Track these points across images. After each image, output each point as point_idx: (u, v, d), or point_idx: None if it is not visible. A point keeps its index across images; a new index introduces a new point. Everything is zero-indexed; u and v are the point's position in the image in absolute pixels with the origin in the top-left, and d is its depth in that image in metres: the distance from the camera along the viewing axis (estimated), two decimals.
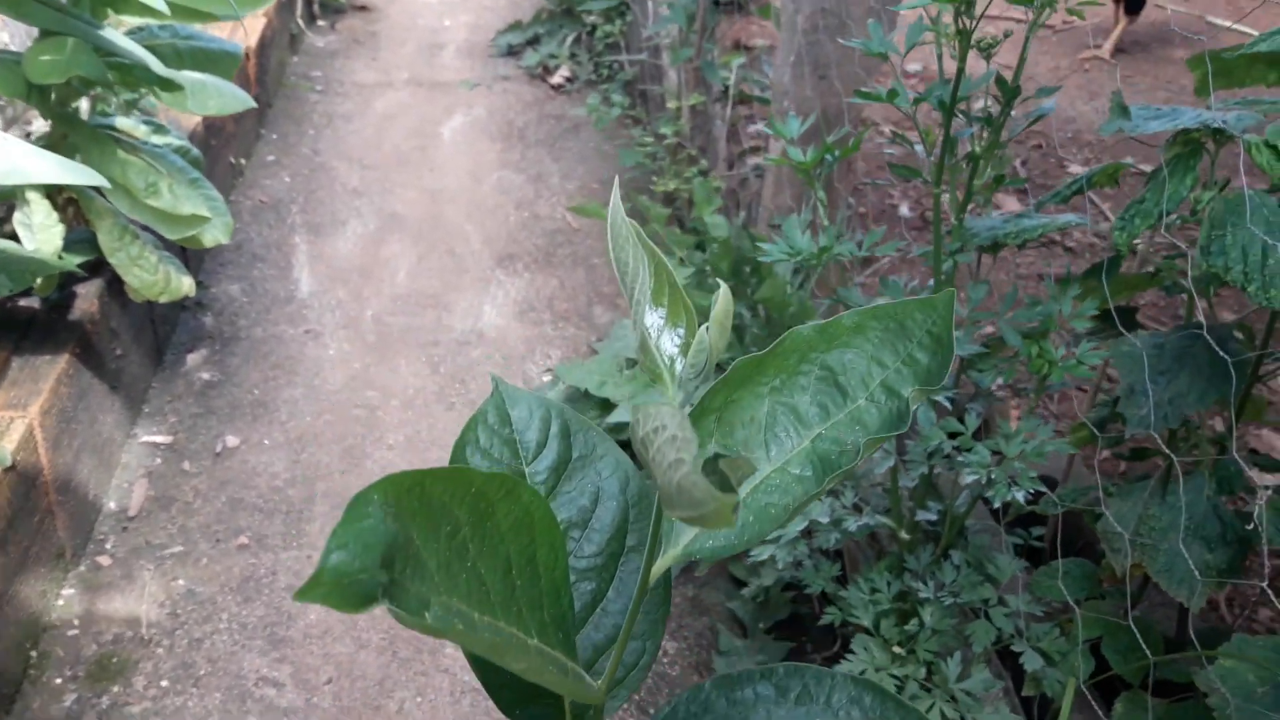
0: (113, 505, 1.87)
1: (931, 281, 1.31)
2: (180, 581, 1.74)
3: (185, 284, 1.74)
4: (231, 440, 2.04)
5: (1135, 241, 1.06)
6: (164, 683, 1.57)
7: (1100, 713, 1.18)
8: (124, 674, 1.58)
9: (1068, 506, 1.20)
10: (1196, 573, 0.99)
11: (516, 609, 0.49)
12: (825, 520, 1.26)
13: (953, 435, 1.17)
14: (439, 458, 2.01)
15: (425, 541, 0.43)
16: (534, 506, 0.50)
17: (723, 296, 0.41)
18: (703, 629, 1.70)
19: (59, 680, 1.56)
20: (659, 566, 0.54)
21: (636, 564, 0.63)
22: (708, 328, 0.43)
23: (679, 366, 0.47)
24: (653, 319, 0.47)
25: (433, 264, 2.63)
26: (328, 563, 0.38)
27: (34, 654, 1.59)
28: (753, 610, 1.64)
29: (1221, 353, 0.97)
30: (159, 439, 2.03)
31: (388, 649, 1.65)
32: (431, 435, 2.07)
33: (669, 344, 0.47)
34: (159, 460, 1.98)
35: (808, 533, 1.32)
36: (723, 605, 1.71)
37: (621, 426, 1.81)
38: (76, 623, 1.65)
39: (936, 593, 1.23)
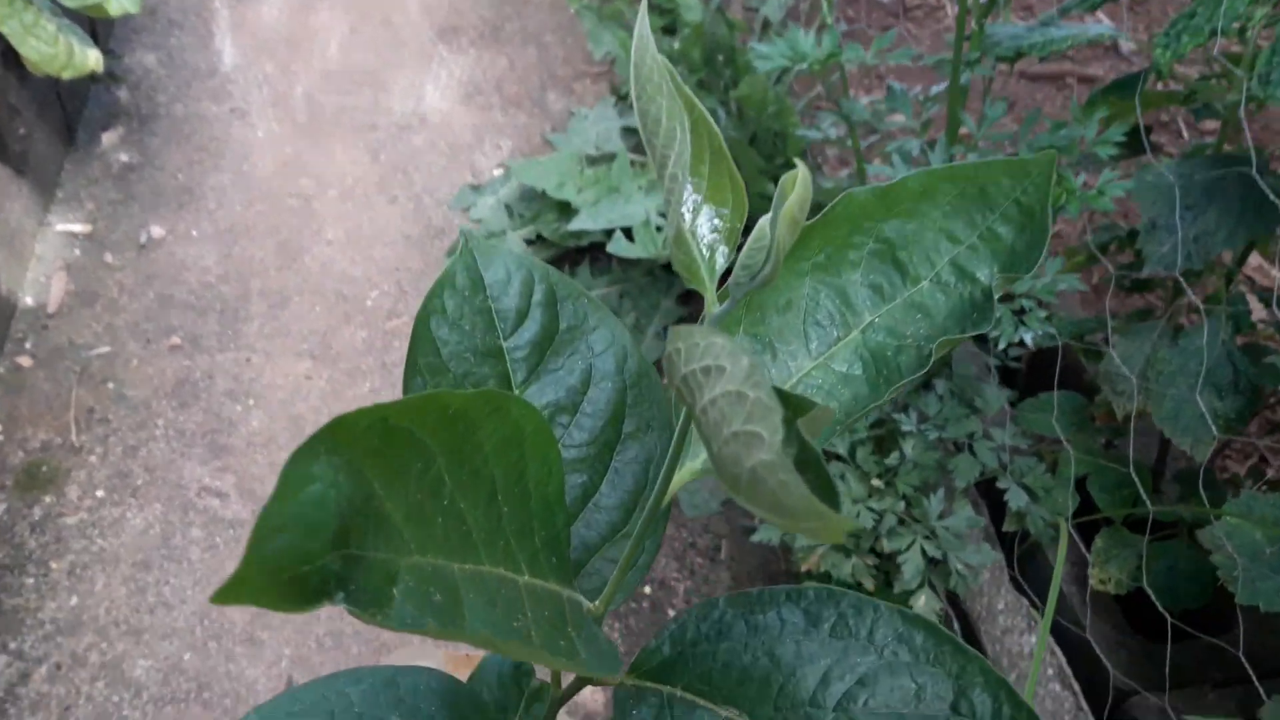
0: (29, 301, 1.73)
1: (938, 88, 1.18)
2: (110, 385, 1.63)
3: (91, 58, 1.53)
4: (156, 231, 1.88)
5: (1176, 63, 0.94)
6: (99, 493, 1.49)
7: (1082, 548, 1.15)
8: (55, 483, 1.49)
9: (1068, 340, 1.13)
10: (1210, 421, 0.93)
11: (503, 541, 0.40)
12: None
13: None
14: (382, 256, 1.88)
15: (390, 491, 0.33)
16: (524, 420, 0.40)
17: (801, 180, 0.30)
18: None
19: None
20: (676, 482, 0.44)
21: (635, 452, 0.53)
22: (772, 219, 0.31)
23: (721, 259, 0.35)
24: (688, 195, 0.35)
25: (367, 35, 2.38)
26: (260, 552, 0.28)
27: None
28: None
29: (1266, 189, 0.87)
30: (76, 228, 1.86)
31: None
32: (374, 230, 1.93)
33: (707, 227, 0.35)
34: (78, 252, 1.82)
35: None
36: None
37: (583, 234, 1.68)
38: (0, 429, 1.54)
39: (919, 425, 1.17)
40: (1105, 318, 1.08)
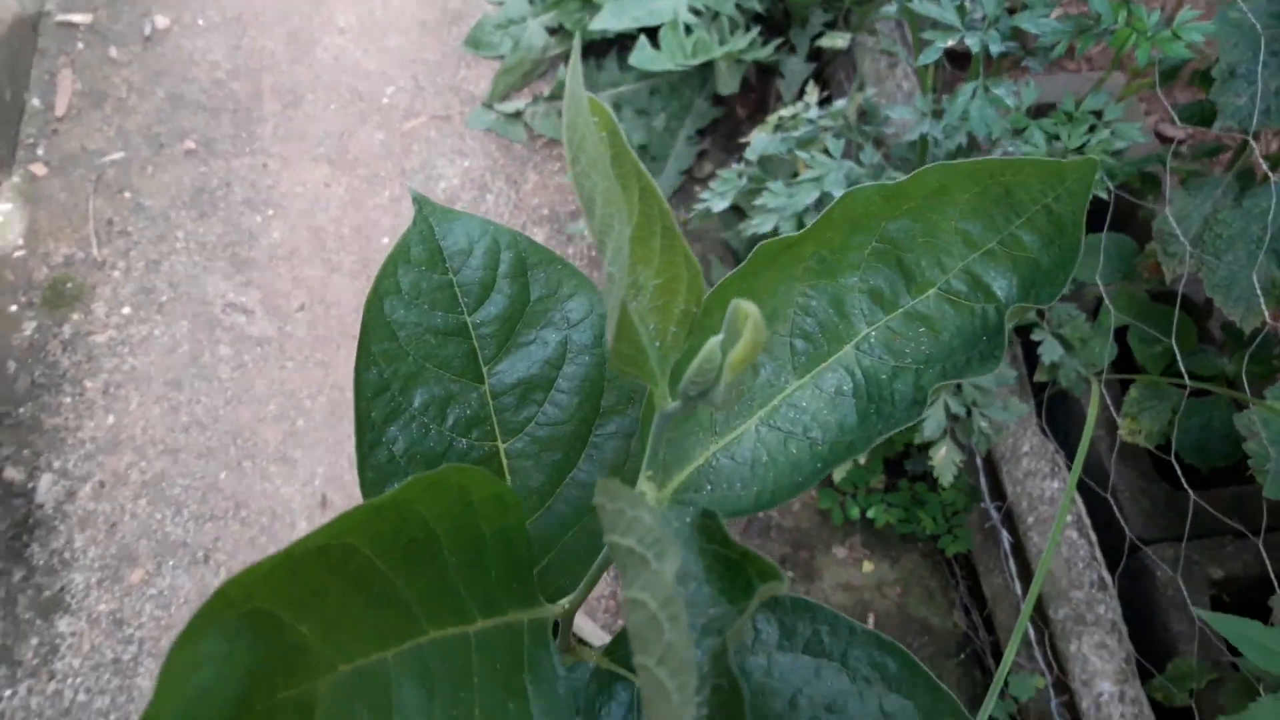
0: (37, 102, 1.67)
1: None
2: (127, 194, 1.60)
3: None
4: (161, 20, 1.78)
5: None
6: (125, 310, 1.49)
7: (1110, 406, 1.12)
8: (82, 300, 1.49)
9: (1124, 180, 1.04)
10: (1261, 291, 0.86)
11: (451, 598, 0.37)
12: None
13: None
14: (397, 45, 1.77)
15: (302, 615, 0.30)
16: (471, 487, 0.36)
17: (752, 325, 0.24)
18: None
19: (14, 308, 1.47)
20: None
21: (615, 426, 0.50)
22: (723, 342, 0.26)
23: (672, 357, 0.30)
24: (629, 277, 0.29)
25: None
26: None
27: None
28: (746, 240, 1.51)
29: None
30: (76, 18, 1.77)
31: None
32: (387, 16, 1.81)
33: (653, 316, 0.30)
34: (81, 45, 1.74)
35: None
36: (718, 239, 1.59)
37: (608, 35, 1.55)
38: (21, 243, 1.53)
39: None
40: (1164, 159, 0.98)
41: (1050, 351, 1.08)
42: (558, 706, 0.38)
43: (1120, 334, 1.10)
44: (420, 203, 0.46)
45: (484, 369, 0.48)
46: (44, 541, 1.27)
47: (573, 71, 0.27)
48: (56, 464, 1.35)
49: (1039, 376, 1.12)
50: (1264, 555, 0.96)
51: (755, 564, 0.29)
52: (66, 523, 1.29)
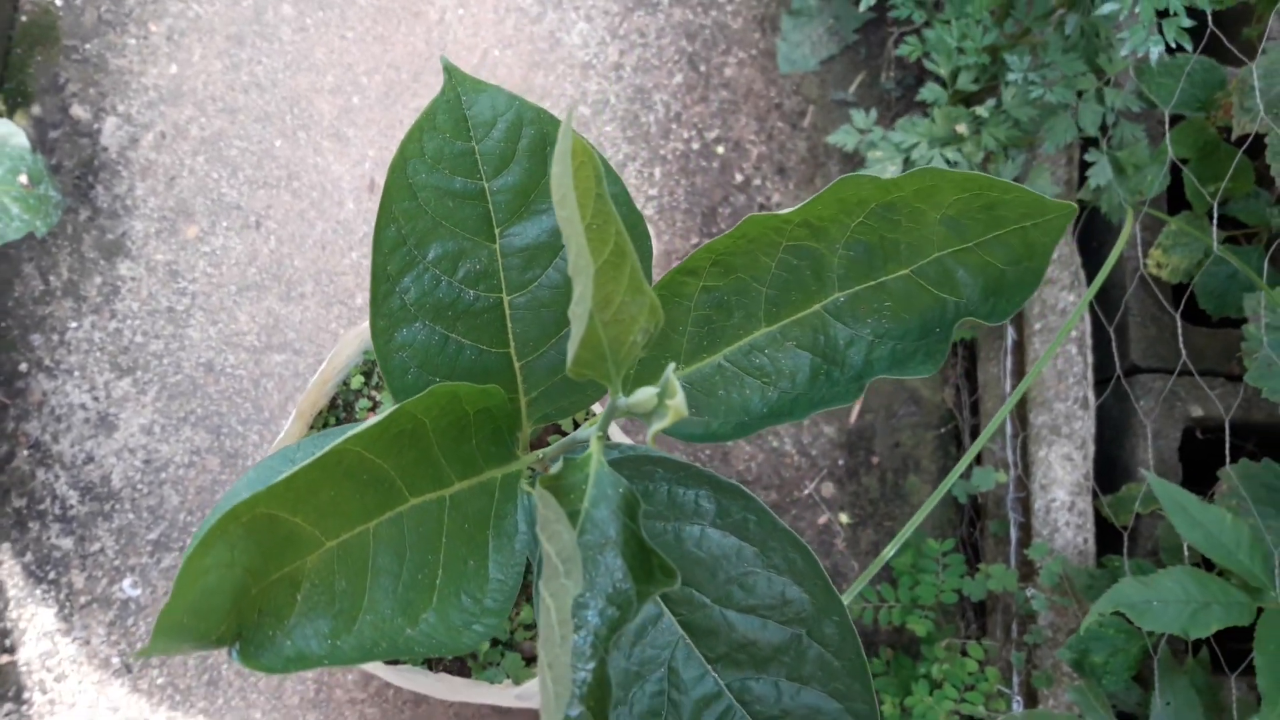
0: None
1: None
2: None
3: None
4: None
5: None
6: None
7: (1138, 234, 1.11)
8: None
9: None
10: None
11: (431, 468, 0.44)
12: None
13: None
14: None
15: (300, 509, 0.37)
16: (467, 399, 0.42)
17: (674, 410, 0.28)
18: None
19: None
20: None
21: None
22: (658, 393, 0.30)
23: (631, 361, 0.34)
24: (597, 301, 0.32)
25: None
26: (162, 639, 0.33)
27: None
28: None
29: None
30: None
31: None
32: None
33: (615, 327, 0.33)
34: None
35: None
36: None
37: None
38: None
39: (1028, 72, 1.07)
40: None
41: (1100, 174, 1.07)
42: (512, 560, 0.46)
43: (1178, 171, 1.08)
44: (450, 72, 0.48)
45: (496, 230, 0.51)
46: (108, 185, 1.34)
47: (564, 132, 0.29)
48: (121, 108, 1.39)
49: (1081, 196, 1.12)
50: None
51: (658, 559, 0.35)
52: (129, 169, 1.36)
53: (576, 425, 0.96)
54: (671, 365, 0.31)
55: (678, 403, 0.28)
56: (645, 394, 0.31)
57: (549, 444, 0.55)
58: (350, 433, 0.37)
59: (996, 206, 0.39)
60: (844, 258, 0.42)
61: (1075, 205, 0.38)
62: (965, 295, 0.41)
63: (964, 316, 0.40)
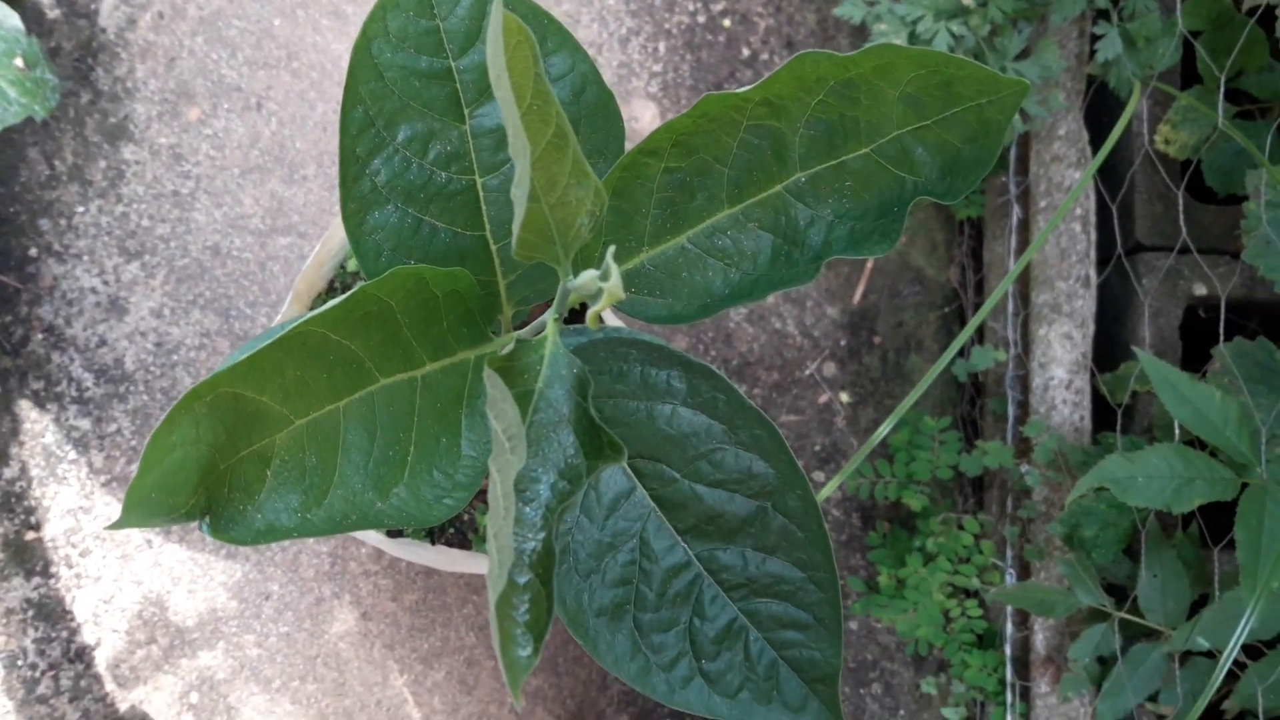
0: None
1: None
2: None
3: None
4: None
5: None
6: None
7: (1145, 109, 1.09)
8: None
9: None
10: None
11: (400, 350, 0.45)
12: None
13: None
14: None
15: (266, 387, 0.39)
16: (434, 281, 0.42)
17: (608, 293, 0.29)
18: None
19: None
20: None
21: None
22: (599, 276, 0.30)
23: (578, 243, 0.34)
24: (539, 185, 0.33)
25: None
26: (132, 513, 0.35)
27: None
28: None
29: None
30: None
31: None
32: None
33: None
34: None
35: None
36: None
37: None
38: None
39: None
40: None
41: (1109, 47, 1.04)
42: (485, 437, 0.47)
43: (1190, 41, 1.05)
44: None
45: (465, 110, 0.51)
46: (108, 67, 1.33)
47: (495, 9, 0.29)
48: None
49: (1090, 70, 1.09)
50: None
51: (607, 436, 0.37)
52: (128, 51, 1.35)
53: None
54: (611, 249, 0.32)
55: (612, 285, 0.29)
56: (587, 277, 0.32)
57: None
58: (312, 313, 0.38)
59: (953, 83, 0.39)
60: (805, 137, 0.42)
61: (1028, 82, 0.37)
62: (923, 174, 0.41)
63: (921, 195, 0.40)
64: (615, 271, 0.29)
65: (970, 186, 0.40)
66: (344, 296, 0.39)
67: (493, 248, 0.55)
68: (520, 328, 0.69)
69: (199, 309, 1.28)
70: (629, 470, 0.51)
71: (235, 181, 1.32)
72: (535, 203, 0.33)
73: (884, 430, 0.83)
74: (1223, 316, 0.95)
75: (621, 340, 0.52)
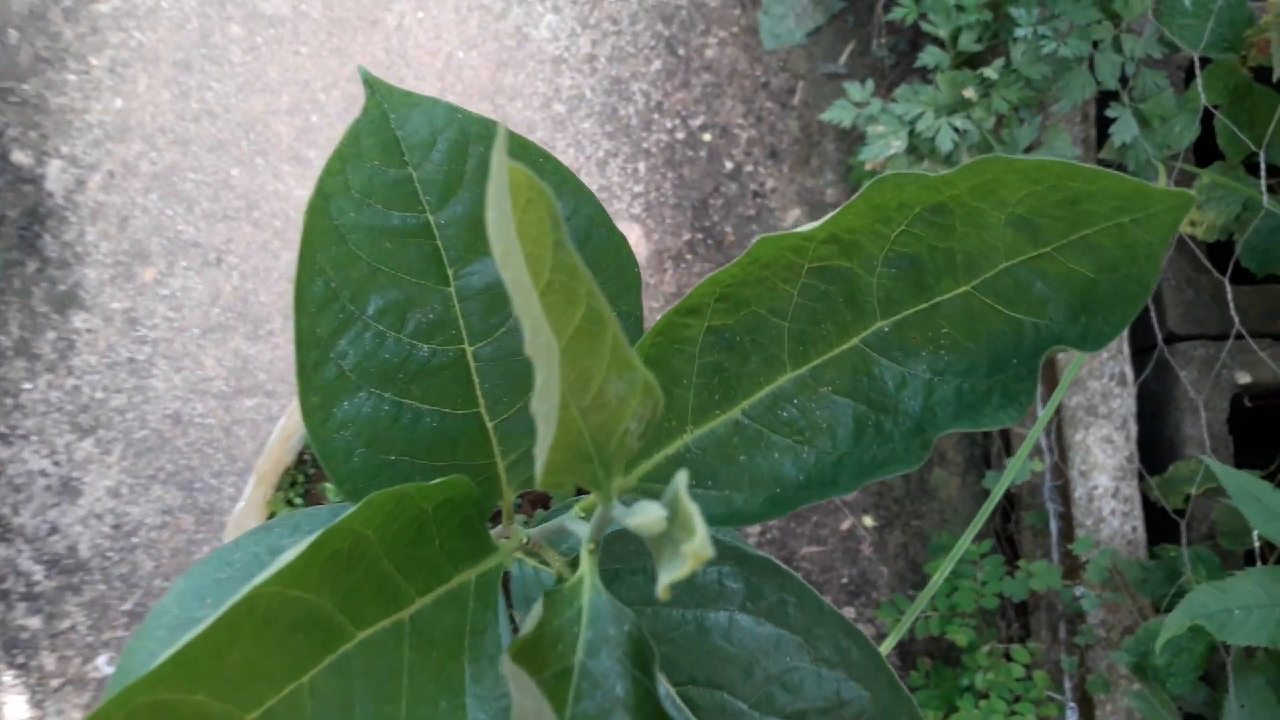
0: None
1: None
2: None
3: None
4: None
5: None
6: None
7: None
8: None
9: None
10: None
11: (391, 590, 0.35)
12: None
13: None
14: None
15: (207, 686, 0.28)
16: (420, 497, 0.33)
17: (693, 559, 0.19)
18: None
19: None
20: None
21: None
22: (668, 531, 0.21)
23: (623, 458, 0.25)
24: (569, 381, 0.23)
25: None
26: None
27: None
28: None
29: None
30: None
31: None
32: None
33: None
34: None
35: None
36: None
37: None
38: None
39: (1036, 25, 0.98)
40: None
41: (1124, 130, 0.98)
42: (497, 690, 0.37)
43: (1208, 117, 0.99)
44: (371, 85, 0.38)
45: (449, 270, 0.42)
46: (56, 233, 1.25)
47: (497, 165, 0.20)
48: (65, 149, 1.30)
49: (1104, 155, 1.02)
50: None
51: None
52: (78, 214, 1.27)
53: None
54: (682, 476, 0.22)
55: (698, 546, 0.19)
56: (648, 514, 0.22)
57: (540, 514, 0.46)
58: (265, 574, 0.28)
59: (1080, 200, 0.30)
60: (885, 277, 0.33)
61: (1190, 195, 0.29)
62: (1048, 314, 0.32)
63: (1050, 343, 0.31)
64: (695, 516, 0.20)
65: (1117, 329, 0.31)
66: (307, 543, 0.29)
67: (489, 425, 0.45)
68: (519, 511, 0.58)
69: (159, 484, 1.17)
70: (678, 702, 0.40)
71: (195, 343, 1.22)
72: (565, 410, 0.23)
73: (940, 577, 0.73)
74: None
75: None
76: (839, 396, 0.34)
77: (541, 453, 0.23)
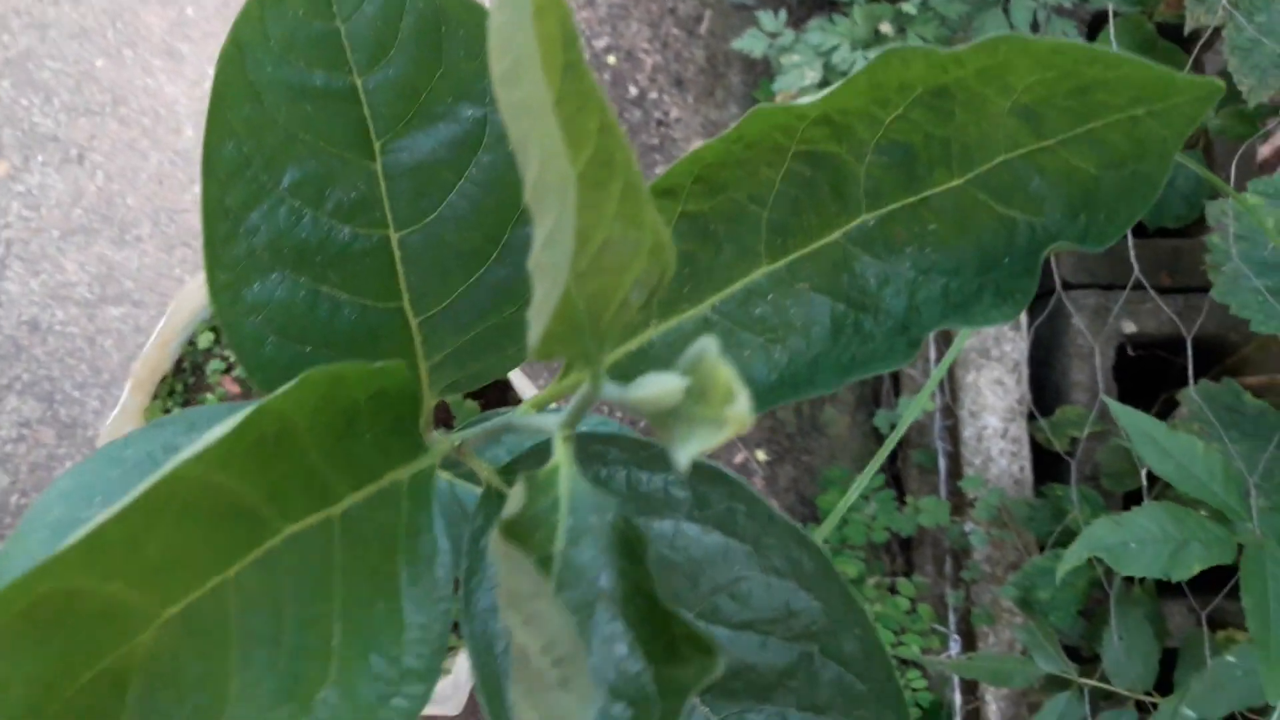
0: None
1: None
2: None
3: None
4: None
5: None
6: None
7: None
8: None
9: None
10: None
11: (318, 483, 0.31)
12: None
13: None
14: None
15: (108, 580, 0.24)
16: (348, 385, 0.29)
17: (734, 419, 0.16)
18: None
19: None
20: None
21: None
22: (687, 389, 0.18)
23: (615, 334, 0.22)
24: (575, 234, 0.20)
25: None
26: None
27: None
28: None
29: None
30: None
31: None
32: None
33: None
34: None
35: None
36: None
37: None
38: None
39: None
40: None
41: None
42: (434, 592, 0.34)
43: None
44: None
45: (376, 143, 0.38)
46: None
47: None
48: None
49: None
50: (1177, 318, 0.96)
51: (683, 627, 0.24)
52: None
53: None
54: (709, 340, 0.19)
55: (739, 410, 0.17)
56: (661, 385, 0.19)
57: (450, 425, 0.43)
58: (187, 453, 0.24)
59: (1093, 89, 0.28)
60: (875, 166, 0.31)
61: (1221, 84, 0.27)
62: (1042, 212, 0.30)
63: (1048, 241, 0.30)
64: (733, 380, 0.17)
65: (1121, 228, 0.29)
66: (234, 422, 0.25)
67: (412, 323, 0.41)
68: (440, 425, 0.55)
69: (15, 394, 1.08)
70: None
71: (55, 245, 1.12)
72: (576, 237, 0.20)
73: (850, 496, 0.73)
74: (1190, 356, 0.89)
75: (595, 437, 0.39)
76: (816, 294, 0.32)
77: (541, 318, 0.20)
